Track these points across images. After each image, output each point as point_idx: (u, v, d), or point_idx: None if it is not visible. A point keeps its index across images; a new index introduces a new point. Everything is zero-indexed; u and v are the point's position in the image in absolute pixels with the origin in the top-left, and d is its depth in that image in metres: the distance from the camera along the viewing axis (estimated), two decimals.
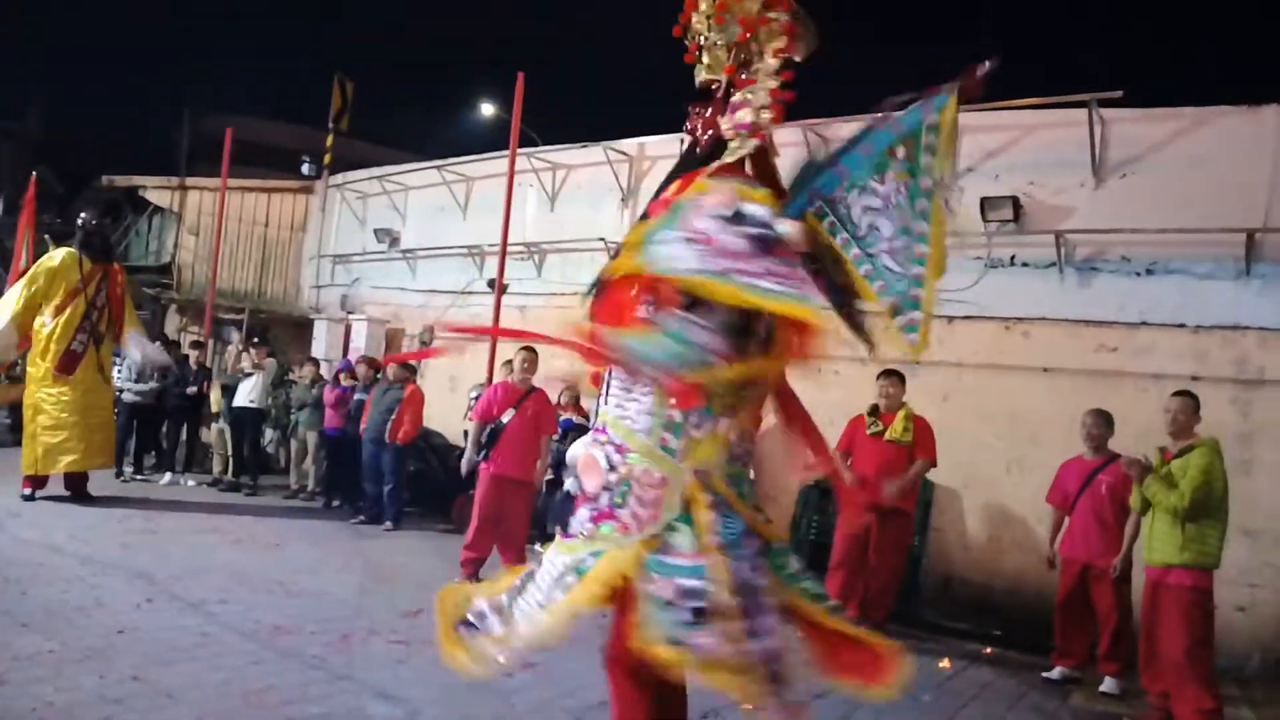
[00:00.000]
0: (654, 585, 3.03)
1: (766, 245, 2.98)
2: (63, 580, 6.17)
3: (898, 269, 3.14)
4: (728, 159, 3.31)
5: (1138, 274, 7.81)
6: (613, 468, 3.22)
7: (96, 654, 4.74)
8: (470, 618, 3.32)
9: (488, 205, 12.47)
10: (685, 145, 3.50)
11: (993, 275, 8.49)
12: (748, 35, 3.36)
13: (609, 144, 11.58)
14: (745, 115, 3.33)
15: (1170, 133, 7.75)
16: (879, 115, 3.22)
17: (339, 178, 16.09)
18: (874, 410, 7.26)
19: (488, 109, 19.90)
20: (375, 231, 14.59)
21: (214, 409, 11.84)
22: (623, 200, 11.53)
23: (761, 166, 3.39)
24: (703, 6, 3.44)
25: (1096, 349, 7.93)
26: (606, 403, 3.34)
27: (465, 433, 10.47)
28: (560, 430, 9.51)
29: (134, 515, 8.93)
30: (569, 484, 3.10)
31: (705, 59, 3.47)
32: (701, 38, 3.46)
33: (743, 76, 3.36)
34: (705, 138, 3.42)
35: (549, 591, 3.18)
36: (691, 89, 3.59)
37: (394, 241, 14.38)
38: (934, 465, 7.30)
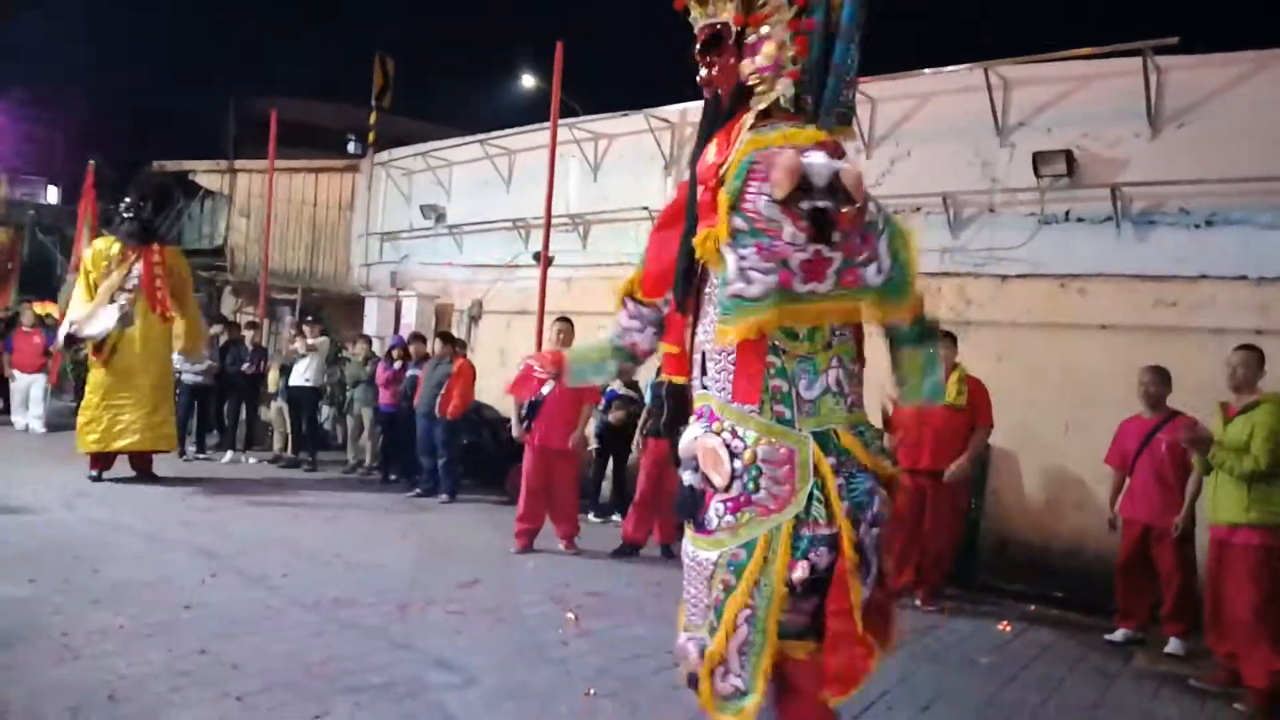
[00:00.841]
0: (794, 569, 3.05)
1: (827, 220, 2.87)
2: (130, 558, 6.36)
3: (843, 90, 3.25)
4: (760, 105, 3.17)
5: (1197, 226, 7.58)
6: (734, 454, 3.12)
7: (164, 628, 4.87)
8: (683, 660, 3.32)
9: (531, 177, 12.48)
10: (707, 99, 3.32)
11: (1046, 231, 8.32)
12: None
13: (650, 111, 11.50)
14: (768, 55, 3.19)
15: (1229, 79, 7.47)
16: None
17: (384, 155, 16.20)
18: None
19: (529, 80, 19.86)
20: (421, 208, 14.69)
21: (271, 389, 12.06)
22: (665, 168, 11.46)
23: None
24: None
25: (1155, 304, 7.73)
26: (705, 386, 3.25)
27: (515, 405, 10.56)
28: (606, 400, 9.55)
29: (197, 493, 9.16)
30: (688, 478, 3.24)
31: (704, 2, 3.28)
32: None
33: (752, 14, 3.20)
34: (725, 88, 3.27)
35: (710, 593, 3.15)
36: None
37: (440, 217, 14.47)
38: (991, 430, 7.19)
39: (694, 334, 3.36)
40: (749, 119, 3.16)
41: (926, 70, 9.22)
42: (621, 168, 12.10)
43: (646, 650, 5.21)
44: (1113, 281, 7.96)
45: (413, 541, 7.76)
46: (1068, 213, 8.24)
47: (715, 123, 3.30)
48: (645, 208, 11.32)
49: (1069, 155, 8.01)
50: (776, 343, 3.10)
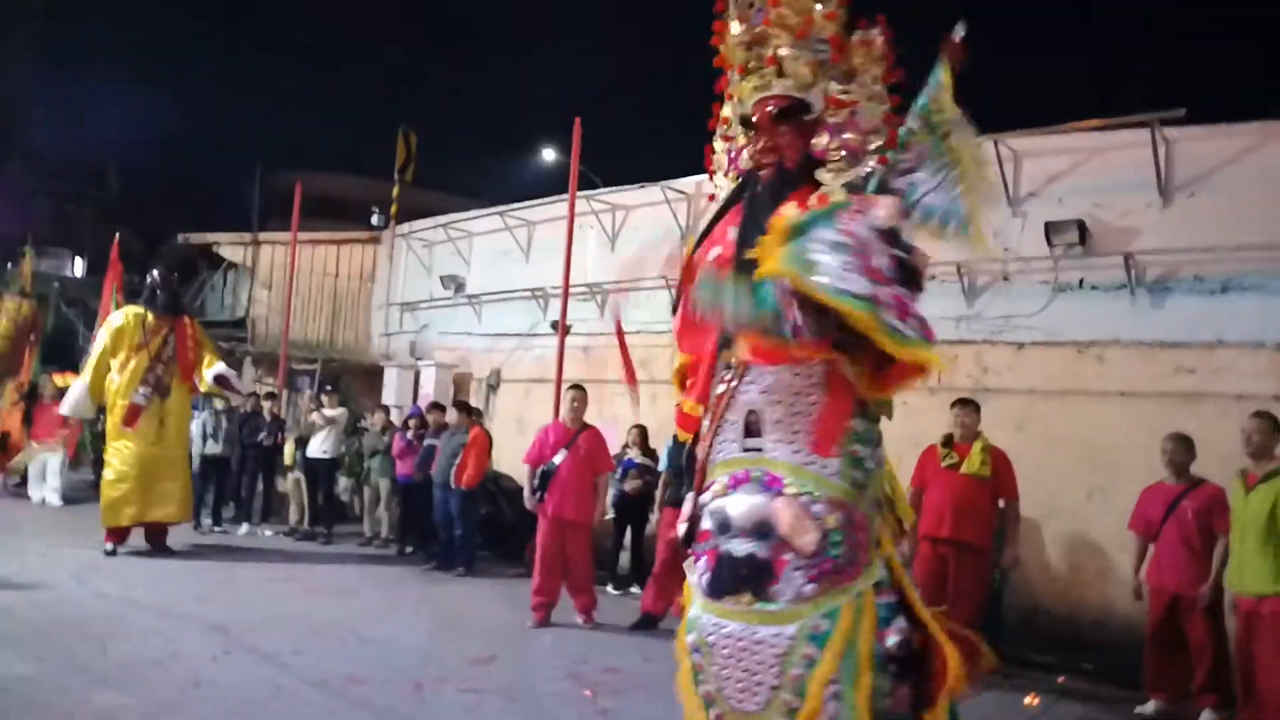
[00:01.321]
0: (888, 636, 2.98)
1: (908, 273, 2.93)
2: (140, 634, 6.31)
3: (941, 199, 3.36)
4: (841, 180, 3.27)
5: (1212, 292, 7.56)
6: (817, 518, 3.02)
7: (173, 707, 4.82)
8: None
9: (549, 248, 12.60)
10: (763, 167, 3.40)
11: (1061, 299, 8.30)
12: (840, 57, 3.36)
13: (666, 184, 11.64)
14: (856, 138, 3.34)
15: (1237, 149, 7.52)
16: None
17: (405, 227, 16.43)
18: (948, 440, 7.00)
19: (549, 155, 20.21)
20: (441, 278, 14.83)
21: (287, 461, 12.08)
22: (682, 239, 11.55)
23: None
24: (786, 17, 3.33)
25: (1174, 371, 7.67)
26: (754, 449, 3.18)
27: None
28: (622, 470, 9.51)
29: (211, 567, 9.14)
30: (748, 547, 3.03)
31: (787, 72, 3.34)
32: (777, 50, 3.34)
33: (837, 96, 3.35)
34: (791, 158, 3.34)
35: (784, 672, 2.97)
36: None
37: (459, 287, 14.60)
38: (1019, 503, 7.10)
39: (725, 390, 3.30)
40: (838, 190, 3.21)
41: None
42: (638, 239, 12.20)
43: None
44: (1130, 348, 7.92)
45: (427, 616, 7.69)
46: (1081, 281, 8.24)
47: (783, 187, 3.31)
48: (662, 277, 11.40)
49: (1081, 225, 8.04)
50: (865, 403, 3.15)
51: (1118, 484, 7.76)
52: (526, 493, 7.94)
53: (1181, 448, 6.29)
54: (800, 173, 3.34)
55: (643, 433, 9.80)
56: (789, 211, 3.11)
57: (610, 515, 9.78)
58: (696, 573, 3.28)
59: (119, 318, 9.86)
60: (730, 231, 3.38)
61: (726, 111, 3.67)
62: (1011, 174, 8.62)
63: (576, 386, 8.26)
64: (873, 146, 3.35)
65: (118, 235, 11.86)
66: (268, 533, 11.81)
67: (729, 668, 3.08)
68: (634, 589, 9.14)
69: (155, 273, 10.27)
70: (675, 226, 11.55)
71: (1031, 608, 8.18)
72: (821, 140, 3.35)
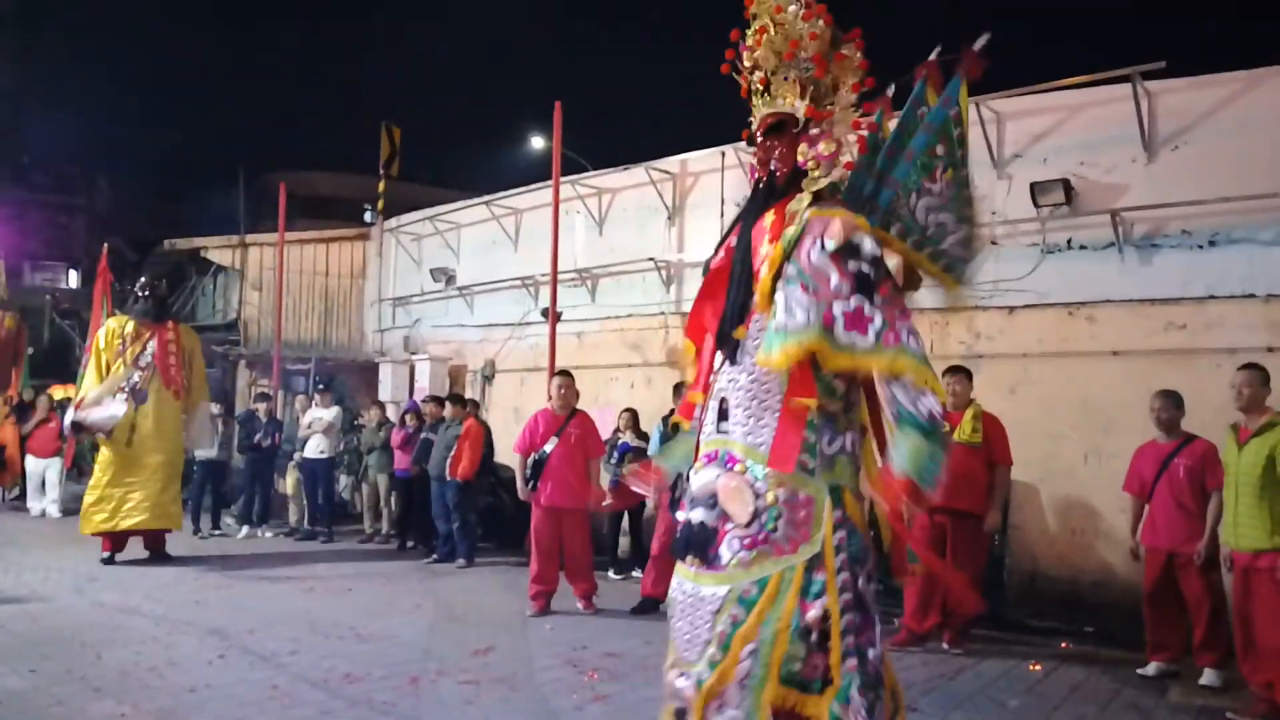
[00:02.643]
0: (809, 610, 3.24)
1: (871, 283, 3.21)
2: (137, 641, 6.28)
3: (963, 253, 3.59)
4: (814, 187, 3.48)
5: (1200, 246, 7.49)
6: (757, 494, 3.32)
7: (168, 714, 4.79)
8: (673, 705, 3.39)
9: (538, 236, 12.51)
10: (760, 178, 3.67)
11: (1050, 261, 8.25)
12: (823, 72, 3.61)
13: (651, 164, 11.56)
14: (827, 147, 3.56)
15: (1220, 99, 7.44)
16: (906, 116, 3.66)
17: (392, 222, 16.36)
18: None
19: (538, 142, 20.09)
20: (431, 271, 14.78)
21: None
22: (669, 219, 11.48)
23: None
24: (774, 43, 3.59)
25: (1165, 327, 7.62)
26: (723, 431, 3.46)
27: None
28: (618, 454, 9.46)
29: (210, 571, 9.12)
30: (699, 515, 3.43)
31: (774, 92, 3.63)
32: (769, 73, 3.63)
33: (819, 110, 3.59)
34: (783, 170, 3.59)
35: (714, 628, 3.28)
36: (732, 104, 3.81)
37: (450, 280, 14.54)
38: (1010, 468, 7.06)
39: (713, 381, 3.59)
40: (806, 197, 3.45)
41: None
42: (626, 221, 12.14)
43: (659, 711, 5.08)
44: (1121, 307, 7.87)
45: (427, 610, 7.67)
46: (1069, 241, 8.18)
47: (769, 198, 3.59)
48: (651, 259, 11.35)
49: (1066, 184, 7.96)
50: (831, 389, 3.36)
51: (1114, 444, 7.73)
52: (520, 482, 7.89)
53: (1170, 404, 6.24)
54: (789, 184, 3.59)
55: (634, 416, 9.77)
56: (765, 221, 3.50)
57: (608, 501, 9.75)
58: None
59: (109, 325, 9.87)
60: (732, 240, 3.71)
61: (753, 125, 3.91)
62: (995, 136, 8.54)
63: (563, 373, 8.23)
64: (844, 156, 3.58)
65: (105, 246, 11.80)
66: (267, 534, 11.81)
67: (680, 620, 3.44)
68: (635, 573, 9.11)
69: (139, 281, 10.19)
70: (662, 207, 11.48)
71: (1032, 572, 8.17)
72: (802, 149, 3.57)
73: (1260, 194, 7.08)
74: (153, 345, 9.73)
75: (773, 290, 3.32)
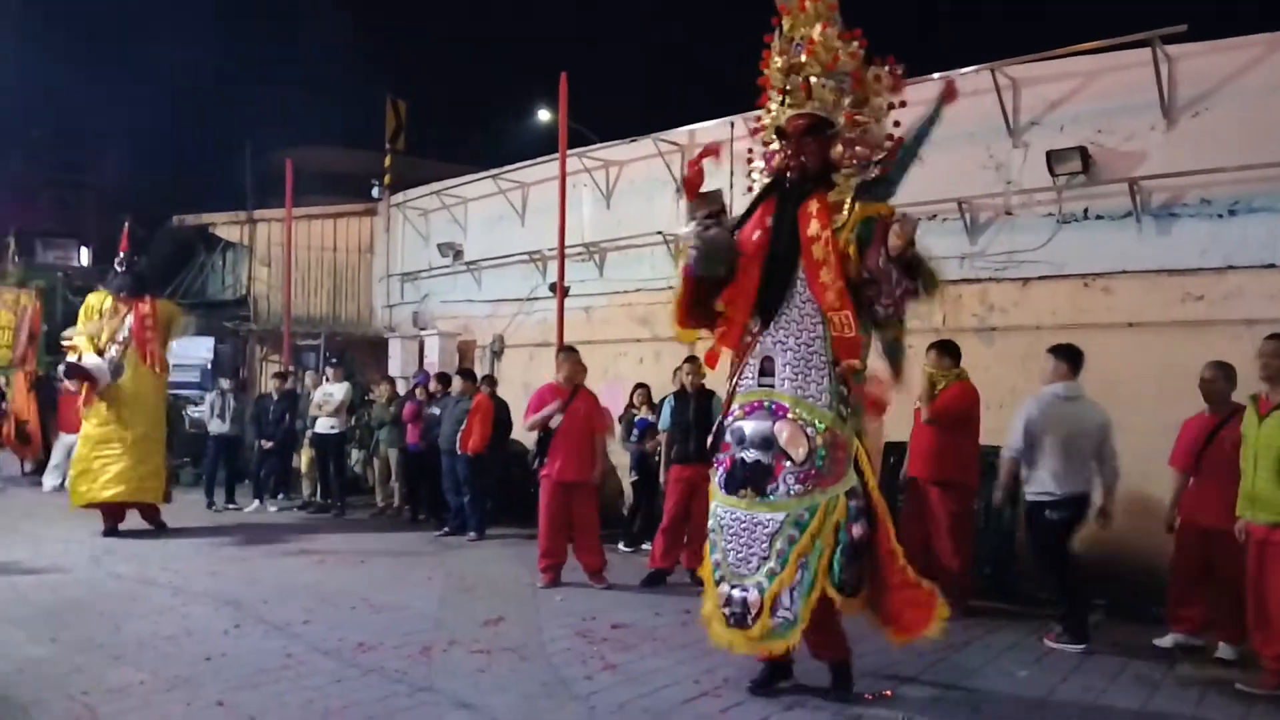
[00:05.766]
0: (854, 529, 4.32)
1: (916, 263, 4.23)
2: (154, 611, 6.32)
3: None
4: (853, 182, 4.57)
5: (1219, 216, 7.39)
6: (809, 438, 4.31)
7: (184, 682, 4.81)
8: (725, 612, 4.46)
9: (545, 210, 12.45)
10: (791, 168, 4.60)
11: (1066, 231, 8.15)
12: (859, 85, 4.56)
13: (658, 136, 11.46)
14: (864, 150, 4.56)
15: (1241, 64, 7.30)
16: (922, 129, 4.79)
17: (399, 196, 16.29)
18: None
19: (544, 114, 19.97)
20: (439, 246, 14.72)
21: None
22: (677, 191, 11.39)
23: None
24: (820, 56, 4.50)
25: (1182, 299, 7.53)
26: (765, 385, 4.49)
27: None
28: (638, 430, 9.44)
29: (225, 544, 9.16)
30: (753, 454, 4.37)
31: (815, 95, 4.52)
32: (807, 78, 4.52)
33: (855, 116, 4.57)
34: (814, 163, 4.54)
35: (772, 547, 4.31)
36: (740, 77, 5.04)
37: (458, 254, 14.48)
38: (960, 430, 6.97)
39: (749, 342, 4.60)
40: (847, 190, 4.56)
41: (935, 75, 9.09)
42: (634, 194, 12.05)
43: (672, 681, 5.08)
44: (1137, 278, 7.78)
45: (438, 581, 7.68)
46: (1086, 210, 8.08)
47: (805, 187, 4.57)
48: (659, 232, 11.27)
49: (1083, 152, 7.85)
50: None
51: (1128, 417, 7.60)
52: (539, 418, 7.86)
53: (1221, 375, 6.00)
54: (819, 175, 4.55)
55: (648, 391, 9.73)
56: (811, 207, 4.48)
57: (634, 478, 9.73)
58: (717, 475, 4.63)
59: (89, 300, 9.93)
60: (767, 220, 4.62)
61: (766, 121, 4.88)
62: (1011, 103, 8.42)
63: (568, 348, 8.19)
64: (877, 158, 4.58)
65: (126, 222, 11.74)
66: (273, 508, 11.80)
67: (732, 542, 4.43)
68: (645, 545, 9.10)
69: (119, 257, 10.15)
70: (670, 180, 11.39)
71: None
72: (837, 150, 4.52)
73: None
74: (129, 319, 9.73)
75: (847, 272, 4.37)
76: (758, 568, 4.31)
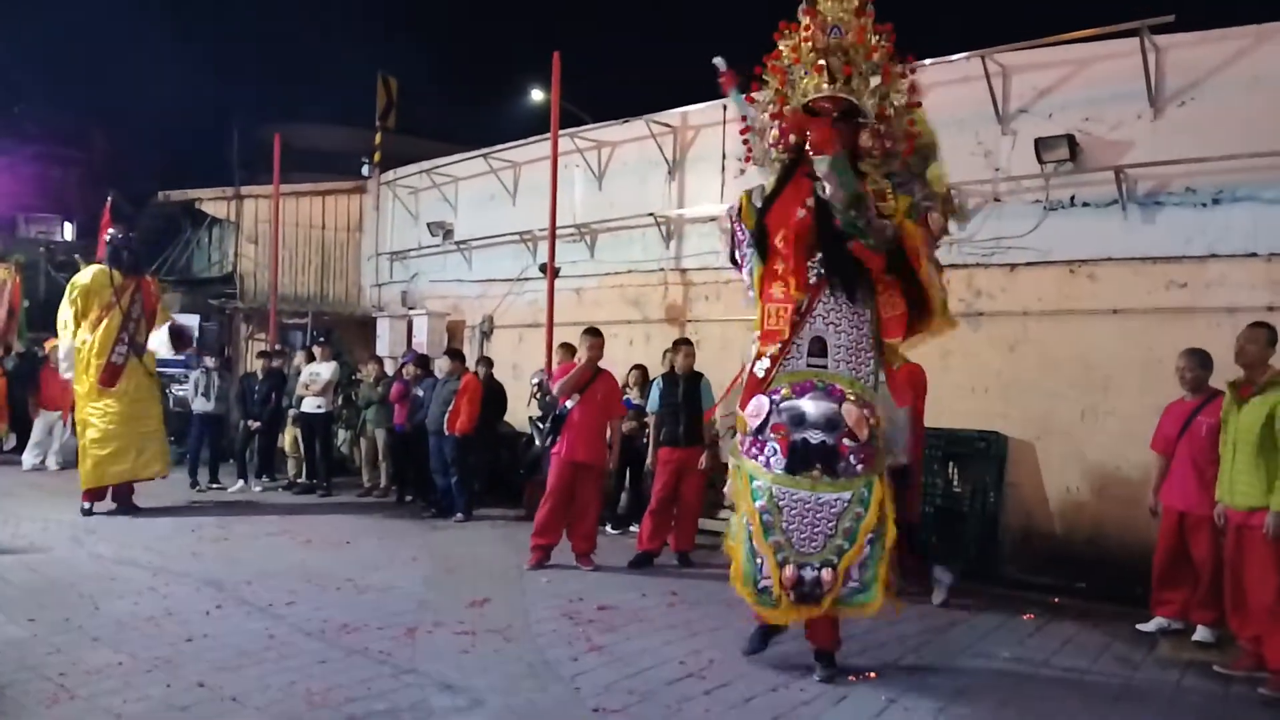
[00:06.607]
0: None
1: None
2: (134, 592, 6.30)
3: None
4: (884, 169, 4.79)
5: (1203, 204, 7.42)
6: (868, 419, 4.53)
7: (164, 663, 4.80)
8: (792, 594, 4.58)
9: (536, 190, 12.39)
10: (830, 146, 4.51)
11: (1053, 218, 8.17)
12: (887, 79, 4.74)
13: (651, 117, 11.41)
14: (889, 142, 4.77)
15: (1229, 54, 7.31)
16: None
17: (389, 175, 16.20)
18: None
19: (536, 94, 19.84)
20: (428, 225, 14.66)
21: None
22: (669, 173, 11.37)
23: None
24: (865, 43, 4.73)
25: (1166, 286, 7.57)
26: (816, 365, 4.64)
27: (530, 419, 10.47)
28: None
29: (207, 523, 9.12)
30: (815, 435, 4.52)
31: (853, 84, 4.70)
32: (853, 64, 4.71)
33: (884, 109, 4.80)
34: (844, 145, 4.58)
35: (839, 525, 4.52)
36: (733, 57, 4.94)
37: (448, 234, 14.43)
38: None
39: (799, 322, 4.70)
40: (877, 175, 4.77)
41: (926, 61, 9.07)
42: (626, 174, 12.01)
43: (657, 662, 5.12)
44: (1122, 265, 7.81)
45: (424, 562, 7.69)
46: (1073, 198, 8.09)
47: (849, 163, 4.62)
48: (651, 214, 11.24)
49: (1071, 140, 7.86)
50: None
51: (1111, 403, 7.73)
52: (545, 430, 8.05)
53: (1194, 363, 6.09)
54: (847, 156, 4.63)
55: (644, 373, 9.71)
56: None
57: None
58: (765, 455, 4.66)
59: (85, 277, 9.73)
60: (807, 199, 4.69)
61: (777, 95, 4.99)
62: (1000, 90, 8.42)
63: (592, 330, 8.08)
64: (899, 150, 4.78)
65: (110, 197, 11.65)
66: (257, 488, 11.73)
67: (795, 522, 4.54)
68: (633, 528, 9.13)
69: (113, 232, 10.05)
70: (662, 161, 11.36)
71: (1026, 529, 8.19)
72: (866, 139, 4.68)
73: (1266, 151, 6.99)
74: (140, 296, 9.77)
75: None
76: (823, 545, 4.50)
